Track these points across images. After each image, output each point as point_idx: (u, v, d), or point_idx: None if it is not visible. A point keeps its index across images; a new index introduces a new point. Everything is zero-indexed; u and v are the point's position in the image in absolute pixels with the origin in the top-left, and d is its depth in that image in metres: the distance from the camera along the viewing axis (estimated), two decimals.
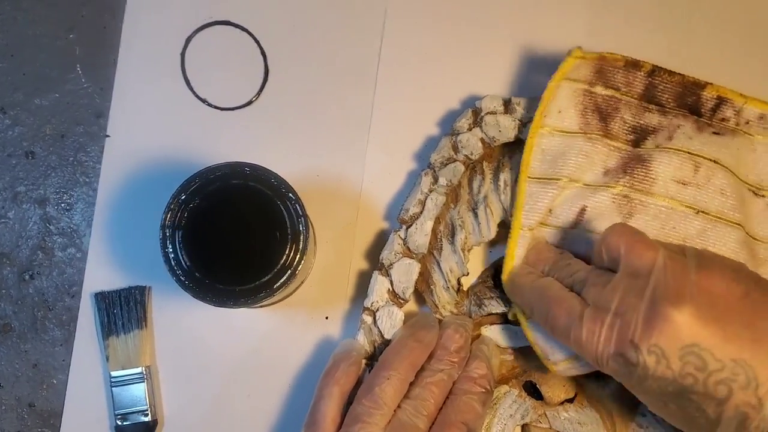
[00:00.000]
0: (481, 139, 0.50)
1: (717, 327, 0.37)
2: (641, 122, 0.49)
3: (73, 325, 0.52)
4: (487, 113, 0.50)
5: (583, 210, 0.47)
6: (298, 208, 0.43)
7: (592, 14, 0.54)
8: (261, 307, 0.51)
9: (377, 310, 0.49)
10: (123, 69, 0.53)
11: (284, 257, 0.43)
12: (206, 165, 0.44)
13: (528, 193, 0.48)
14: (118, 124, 0.53)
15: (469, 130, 0.50)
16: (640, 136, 0.48)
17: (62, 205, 0.53)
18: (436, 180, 0.50)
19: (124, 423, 0.50)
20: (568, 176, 0.48)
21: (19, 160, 0.53)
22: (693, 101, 0.49)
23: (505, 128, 0.50)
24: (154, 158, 0.53)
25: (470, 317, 0.50)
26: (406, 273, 0.49)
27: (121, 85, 0.53)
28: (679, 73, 0.49)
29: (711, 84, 0.49)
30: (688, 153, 0.47)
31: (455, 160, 0.50)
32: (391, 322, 0.49)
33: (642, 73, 0.49)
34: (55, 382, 0.52)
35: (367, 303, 0.49)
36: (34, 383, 0.52)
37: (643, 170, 0.47)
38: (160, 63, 0.53)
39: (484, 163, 0.51)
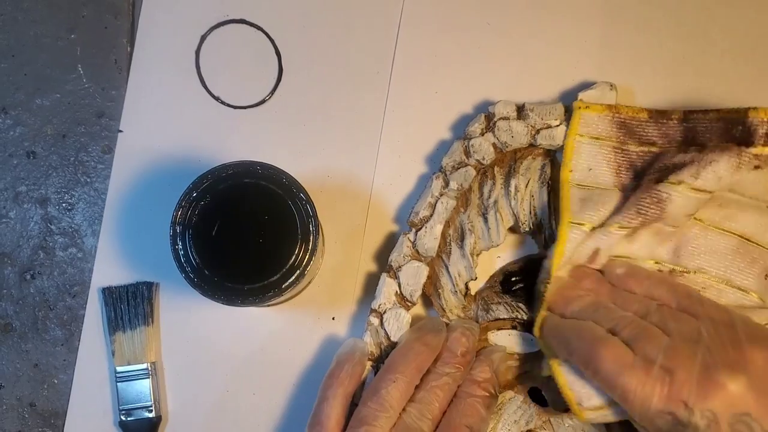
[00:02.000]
0: (493, 144, 0.50)
1: (766, 399, 0.39)
2: (670, 162, 0.47)
3: (74, 325, 0.52)
4: (500, 118, 0.50)
5: (596, 252, 0.47)
6: (308, 208, 0.43)
7: (606, 21, 0.54)
8: (268, 306, 0.51)
9: (384, 312, 0.49)
10: (138, 65, 0.53)
11: (293, 257, 0.43)
12: (217, 163, 0.44)
13: (569, 238, 0.47)
14: (131, 120, 0.53)
15: (482, 134, 0.50)
16: (663, 174, 0.46)
17: (63, 204, 0.53)
18: (447, 184, 0.50)
19: (129, 418, 0.50)
20: (596, 223, 0.47)
21: (21, 160, 0.53)
22: (741, 131, 0.47)
23: (517, 134, 0.50)
24: (165, 154, 0.53)
25: (477, 322, 0.50)
26: (414, 276, 0.49)
27: (136, 81, 0.53)
28: (713, 109, 0.48)
29: (753, 108, 0.47)
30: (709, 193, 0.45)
31: (467, 165, 0.50)
32: (398, 324, 0.49)
33: (674, 122, 0.48)
34: (56, 381, 0.52)
35: (375, 305, 0.49)
36: (35, 383, 0.52)
37: (657, 210, 0.46)
38: (175, 60, 0.53)
39: (496, 168, 0.51)
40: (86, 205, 0.53)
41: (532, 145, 0.51)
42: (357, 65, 0.54)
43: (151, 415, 0.50)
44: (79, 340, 0.52)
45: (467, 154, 0.50)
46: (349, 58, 0.54)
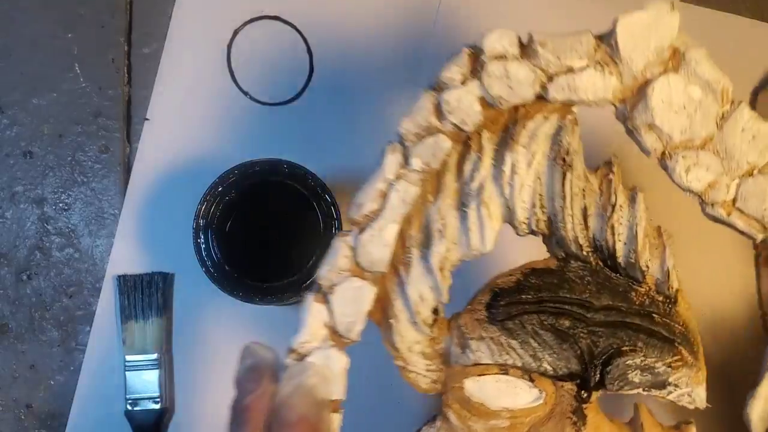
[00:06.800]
0: (481, 99, 0.33)
1: None
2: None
3: (71, 326, 0.52)
4: (493, 58, 0.33)
5: None
6: (333, 210, 0.43)
7: None
8: (284, 305, 0.51)
9: (308, 354, 0.34)
10: (169, 54, 0.53)
11: (315, 258, 0.43)
12: (241, 157, 0.44)
13: None
14: (159, 108, 0.53)
15: (463, 83, 0.33)
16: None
17: (60, 205, 0.53)
18: (406, 160, 0.34)
19: (135, 408, 0.50)
20: None
21: (17, 159, 0.53)
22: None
23: (518, 82, 0.33)
24: (190, 144, 0.53)
25: (449, 363, 0.35)
26: (353, 301, 0.33)
27: (165, 71, 0.53)
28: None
29: None
30: None
31: (438, 131, 0.34)
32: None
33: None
34: (52, 383, 0.52)
35: (295, 343, 0.34)
36: (32, 384, 0.52)
37: None
38: (206, 52, 0.53)
39: (484, 136, 0.34)
40: (83, 205, 0.53)
41: (541, 99, 0.34)
42: (388, 70, 0.53)
43: (157, 406, 0.50)
44: (75, 341, 0.52)
45: (439, 114, 0.34)
46: (380, 62, 0.53)
